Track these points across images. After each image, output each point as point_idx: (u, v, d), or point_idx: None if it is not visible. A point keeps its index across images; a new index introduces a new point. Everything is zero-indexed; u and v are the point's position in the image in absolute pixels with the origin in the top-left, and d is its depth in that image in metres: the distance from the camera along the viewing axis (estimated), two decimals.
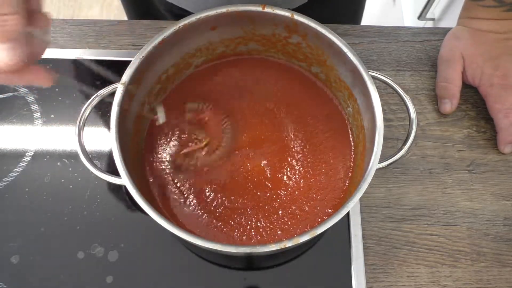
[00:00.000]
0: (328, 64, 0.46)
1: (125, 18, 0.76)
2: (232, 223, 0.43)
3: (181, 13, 0.60)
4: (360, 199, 0.47)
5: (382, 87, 0.52)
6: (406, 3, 1.31)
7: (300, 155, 0.46)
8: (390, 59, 0.56)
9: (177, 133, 0.47)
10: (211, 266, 0.45)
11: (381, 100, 0.40)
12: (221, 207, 0.44)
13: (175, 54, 0.46)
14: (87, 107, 0.41)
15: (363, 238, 0.46)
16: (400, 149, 0.41)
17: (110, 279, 0.44)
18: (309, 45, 0.46)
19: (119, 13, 1.62)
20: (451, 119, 0.53)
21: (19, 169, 0.49)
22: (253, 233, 0.43)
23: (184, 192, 0.44)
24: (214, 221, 0.43)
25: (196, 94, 0.49)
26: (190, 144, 0.45)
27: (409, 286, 0.44)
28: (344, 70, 0.44)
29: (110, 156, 0.49)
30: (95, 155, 0.49)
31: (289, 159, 0.46)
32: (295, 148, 0.47)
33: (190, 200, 0.44)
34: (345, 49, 0.42)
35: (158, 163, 0.46)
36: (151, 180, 0.45)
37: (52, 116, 0.51)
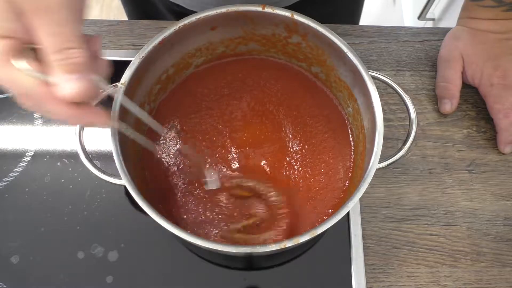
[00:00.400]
0: (328, 64, 0.46)
1: (125, 18, 0.76)
2: (232, 221, 0.43)
3: (181, 11, 0.60)
4: (360, 199, 0.47)
5: (382, 87, 0.52)
6: (406, 3, 1.31)
7: (300, 155, 0.46)
8: (390, 59, 0.56)
9: (177, 138, 0.47)
10: (211, 266, 0.45)
11: (381, 100, 0.40)
12: (220, 208, 0.44)
13: (175, 54, 0.46)
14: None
15: (363, 238, 0.46)
16: (400, 149, 0.41)
17: (110, 279, 0.44)
18: (309, 45, 0.46)
19: (119, 13, 1.61)
20: (451, 119, 0.53)
21: (19, 169, 0.49)
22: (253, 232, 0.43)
23: (184, 192, 0.44)
24: (213, 220, 0.43)
25: (196, 94, 0.49)
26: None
27: (409, 286, 0.44)
28: (344, 70, 0.44)
29: (110, 156, 0.49)
30: (95, 155, 0.49)
31: (288, 159, 0.46)
32: (295, 148, 0.47)
33: (190, 200, 0.44)
34: (345, 49, 0.42)
35: (158, 163, 0.46)
36: (150, 180, 0.45)
37: None
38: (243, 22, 0.45)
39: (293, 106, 0.49)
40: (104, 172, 0.40)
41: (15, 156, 0.49)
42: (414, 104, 0.44)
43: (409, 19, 1.27)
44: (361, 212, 0.47)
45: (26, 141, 0.50)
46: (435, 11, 1.14)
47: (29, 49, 0.27)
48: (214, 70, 0.50)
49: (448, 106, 0.51)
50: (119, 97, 0.39)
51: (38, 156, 0.49)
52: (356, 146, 0.46)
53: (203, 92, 0.49)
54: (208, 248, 0.35)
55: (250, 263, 0.46)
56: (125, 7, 0.73)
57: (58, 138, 0.50)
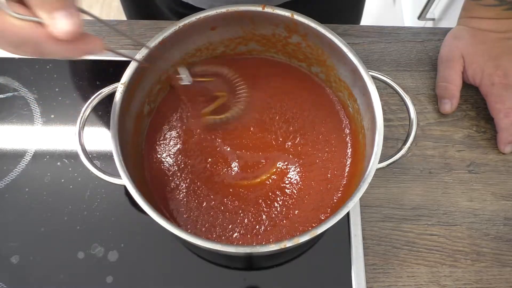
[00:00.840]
0: (328, 64, 0.46)
1: (125, 18, 0.76)
2: (232, 223, 0.43)
3: (181, 11, 0.60)
4: (360, 199, 0.47)
5: (382, 87, 0.52)
6: (406, 3, 1.31)
7: (299, 154, 0.46)
8: (390, 59, 0.56)
9: (177, 133, 0.47)
10: (211, 266, 0.45)
11: (381, 100, 0.40)
12: (220, 208, 0.44)
13: (175, 54, 0.46)
14: (87, 107, 0.41)
15: (363, 238, 0.46)
16: (400, 149, 0.41)
17: (110, 279, 0.44)
18: (309, 45, 0.46)
19: (119, 13, 1.61)
20: (451, 119, 0.53)
21: (19, 169, 0.49)
22: (253, 232, 0.43)
23: (185, 192, 0.44)
24: (213, 220, 0.43)
25: (196, 94, 0.49)
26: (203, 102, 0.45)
27: (409, 286, 0.44)
28: (344, 70, 0.44)
29: (110, 156, 0.49)
30: (95, 155, 0.49)
31: (288, 159, 0.46)
32: (294, 148, 0.47)
33: (190, 200, 0.44)
34: (345, 49, 0.42)
35: (158, 163, 0.46)
36: (150, 180, 0.45)
37: (52, 116, 0.51)
38: (243, 22, 0.45)
39: (293, 106, 0.49)
40: (104, 172, 0.40)
41: (15, 156, 0.49)
42: (414, 104, 0.44)
43: (409, 19, 1.27)
44: (361, 212, 0.47)
45: (26, 141, 0.50)
46: (435, 11, 1.14)
47: None
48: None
49: (448, 106, 0.51)
50: (119, 97, 0.39)
51: (38, 156, 0.49)
52: (356, 146, 0.46)
53: (203, 92, 0.49)
54: (208, 248, 0.35)
55: (250, 263, 0.46)
56: (124, 8, 0.73)
57: (58, 138, 0.50)
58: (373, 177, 0.37)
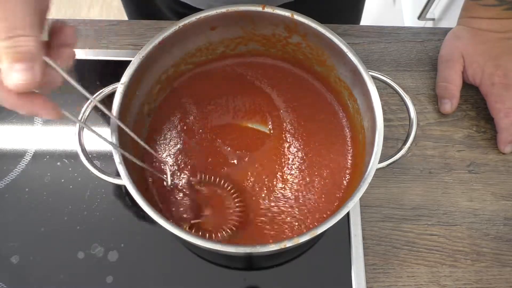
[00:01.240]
0: (328, 64, 0.46)
1: (125, 18, 0.76)
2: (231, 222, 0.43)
3: (181, 11, 0.60)
4: (360, 199, 0.47)
5: (382, 87, 0.52)
6: (406, 3, 1.31)
7: (300, 155, 0.46)
8: (390, 59, 0.56)
9: (177, 133, 0.47)
10: (211, 266, 0.45)
11: (381, 100, 0.40)
12: (220, 208, 0.44)
13: (175, 54, 0.46)
14: (87, 107, 0.41)
15: (363, 238, 0.46)
16: (400, 149, 0.41)
17: (110, 279, 0.44)
18: (309, 45, 0.46)
19: (119, 13, 1.61)
20: (451, 119, 0.53)
21: (19, 169, 0.49)
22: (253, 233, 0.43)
23: (184, 192, 0.44)
24: (213, 220, 0.43)
25: (196, 94, 0.49)
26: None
27: (409, 286, 0.44)
28: (344, 70, 0.44)
29: (110, 156, 0.49)
30: (95, 155, 0.49)
31: (288, 159, 0.46)
32: (294, 148, 0.47)
33: (190, 200, 0.44)
34: (345, 49, 0.42)
35: (158, 163, 0.46)
36: (151, 180, 0.45)
37: None
38: (243, 22, 0.45)
39: (293, 106, 0.49)
40: (104, 172, 0.40)
41: (15, 156, 0.49)
42: (414, 104, 0.44)
43: (409, 19, 1.27)
44: (361, 212, 0.47)
45: (26, 141, 0.50)
46: (435, 11, 1.14)
47: None
48: (214, 70, 0.50)
49: (448, 106, 0.51)
50: (119, 97, 0.39)
51: (38, 156, 0.49)
52: (356, 146, 0.46)
53: (203, 92, 0.49)
54: (208, 248, 0.35)
55: (250, 263, 0.46)
56: (125, 7, 0.73)
57: (58, 138, 0.50)
58: (373, 177, 0.37)
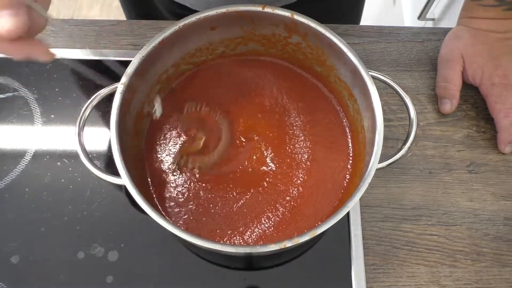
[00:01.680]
0: (328, 64, 0.46)
1: (125, 18, 0.76)
2: (232, 222, 0.43)
3: (181, 13, 0.60)
4: (360, 199, 0.47)
5: (382, 87, 0.52)
6: (406, 3, 1.31)
7: (300, 155, 0.46)
8: (390, 59, 0.56)
9: (177, 133, 0.47)
10: (211, 266, 0.45)
11: (381, 100, 0.40)
12: (220, 208, 0.44)
13: (175, 54, 0.46)
14: (87, 107, 0.41)
15: (363, 238, 0.46)
16: (400, 149, 0.41)
17: (110, 279, 0.44)
18: (309, 45, 0.46)
19: (119, 13, 1.61)
20: (451, 119, 0.53)
21: (19, 169, 0.49)
22: (254, 233, 0.43)
23: (184, 192, 0.44)
24: (213, 220, 0.43)
25: (196, 94, 0.49)
26: (183, 141, 0.45)
27: (409, 286, 0.44)
28: (344, 70, 0.44)
29: (110, 156, 0.49)
30: (95, 155, 0.49)
31: (288, 159, 0.46)
32: (294, 147, 0.47)
33: (190, 200, 0.44)
34: (345, 49, 0.42)
35: (158, 163, 0.46)
36: (151, 180, 0.45)
37: (52, 116, 0.51)
38: (243, 22, 0.45)
39: (293, 106, 0.49)
40: (104, 172, 0.40)
41: (15, 156, 0.49)
42: (414, 104, 0.44)
43: (409, 19, 1.27)
44: (361, 212, 0.47)
45: (26, 141, 0.50)
46: (435, 11, 1.14)
47: None
48: (214, 70, 0.50)
49: (448, 106, 0.51)
50: (119, 97, 0.39)
51: (38, 156, 0.49)
52: (356, 146, 0.46)
53: (203, 92, 0.49)
54: (208, 248, 0.35)
55: (250, 263, 0.46)
56: (124, 9, 0.73)
57: (58, 138, 0.50)
58: (373, 177, 0.37)
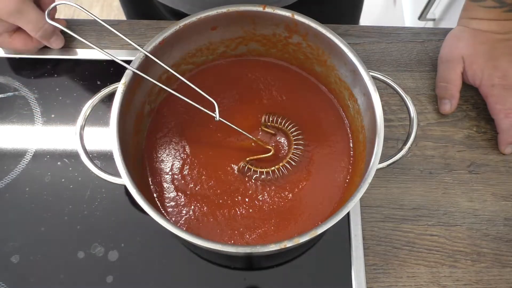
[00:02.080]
0: (329, 64, 0.46)
1: (125, 18, 0.76)
2: (232, 222, 0.43)
3: (181, 13, 0.60)
4: (360, 199, 0.47)
5: (382, 87, 0.52)
6: (407, 4, 1.31)
7: (300, 155, 0.46)
8: (390, 59, 0.56)
9: (177, 133, 0.47)
10: (211, 266, 0.45)
11: (381, 100, 0.40)
12: (221, 208, 0.44)
13: (175, 54, 0.46)
14: (88, 107, 0.41)
15: (363, 238, 0.46)
16: (401, 149, 0.41)
17: (110, 279, 0.44)
18: (310, 45, 0.46)
19: (119, 13, 1.62)
20: (451, 119, 0.53)
21: (19, 169, 0.49)
22: (254, 233, 0.43)
23: (185, 192, 0.44)
24: (214, 220, 0.43)
25: (197, 94, 0.49)
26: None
27: (409, 286, 0.44)
28: (345, 70, 0.44)
29: (110, 156, 0.49)
30: (95, 155, 0.49)
31: (288, 159, 0.46)
32: (294, 148, 0.47)
33: (191, 200, 0.44)
34: (346, 49, 0.42)
35: (158, 163, 0.46)
36: (151, 180, 0.45)
37: (53, 115, 0.51)
38: (244, 22, 0.45)
39: (293, 106, 0.49)
40: (104, 172, 0.40)
41: (15, 156, 0.49)
42: (414, 105, 0.44)
43: (409, 19, 1.27)
44: (361, 212, 0.47)
45: (26, 141, 0.50)
46: (435, 11, 1.14)
47: None
48: (214, 70, 0.50)
49: (448, 106, 0.51)
50: (119, 97, 0.39)
51: (38, 155, 0.49)
52: (356, 146, 0.46)
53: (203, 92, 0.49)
54: (208, 248, 0.35)
55: (250, 263, 0.46)
56: (124, 9, 0.73)
57: (59, 137, 0.50)
58: (373, 177, 0.37)
